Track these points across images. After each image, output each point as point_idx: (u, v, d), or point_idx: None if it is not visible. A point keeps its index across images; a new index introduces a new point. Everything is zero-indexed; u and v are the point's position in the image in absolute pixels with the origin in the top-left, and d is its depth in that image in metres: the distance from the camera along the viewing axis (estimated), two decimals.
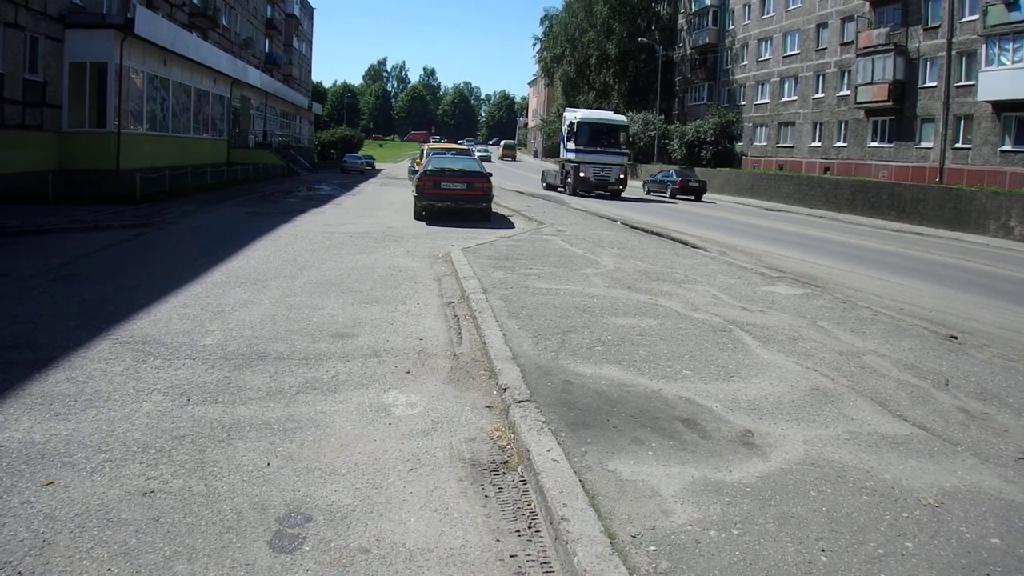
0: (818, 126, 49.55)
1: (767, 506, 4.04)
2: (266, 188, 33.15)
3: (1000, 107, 35.04)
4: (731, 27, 61.33)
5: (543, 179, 46.32)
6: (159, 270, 11.22)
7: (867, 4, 44.06)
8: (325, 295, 9.68)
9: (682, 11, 70.13)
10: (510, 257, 12.93)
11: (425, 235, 17.02)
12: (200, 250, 13.41)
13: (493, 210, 21.95)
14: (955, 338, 8.76)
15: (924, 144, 40.35)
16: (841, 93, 46.94)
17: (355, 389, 5.99)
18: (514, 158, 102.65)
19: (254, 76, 44.49)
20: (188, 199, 24.79)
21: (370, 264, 12.36)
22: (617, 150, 38.89)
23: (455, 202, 19.75)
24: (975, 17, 36.41)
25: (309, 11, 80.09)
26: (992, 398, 6.44)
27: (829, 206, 37.17)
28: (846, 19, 46.52)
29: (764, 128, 55.86)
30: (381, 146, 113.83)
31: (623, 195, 39.56)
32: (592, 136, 38.10)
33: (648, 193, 45.99)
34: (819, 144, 49.45)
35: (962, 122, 37.84)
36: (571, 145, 38.53)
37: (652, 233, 19.94)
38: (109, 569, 3.35)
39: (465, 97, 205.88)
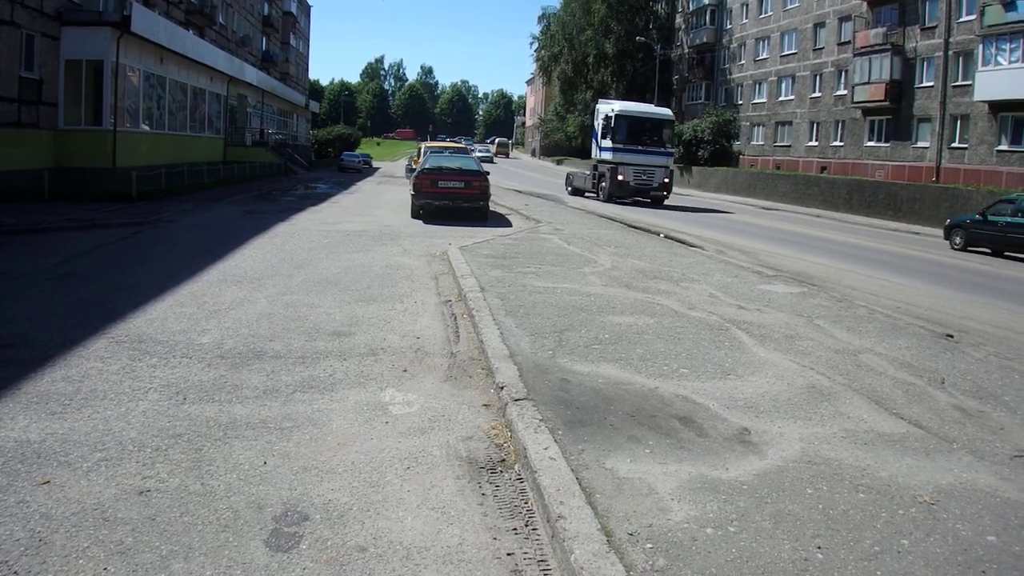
0: (815, 125, 49.54)
1: (764, 504, 4.04)
2: (263, 186, 33.11)
3: (997, 107, 35.06)
4: (729, 26, 61.37)
5: (568, 183, 40.03)
6: (155, 268, 11.20)
7: (864, 4, 44.06)
8: (322, 293, 9.67)
9: (680, 10, 70.16)
10: (507, 256, 12.94)
11: (422, 234, 17.02)
12: (196, 248, 13.39)
13: (490, 209, 21.95)
14: (951, 337, 8.78)
15: (921, 144, 40.37)
16: (838, 93, 46.95)
17: (352, 388, 5.98)
18: (507, 155, 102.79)
19: (251, 74, 44.42)
20: (185, 197, 24.76)
21: (367, 263, 12.36)
22: (662, 149, 33.25)
23: (452, 201, 19.75)
24: (972, 17, 36.43)
25: (306, 9, 79.97)
26: (988, 396, 6.46)
27: (826, 205, 37.20)
28: (843, 19, 46.54)
29: (761, 127, 55.88)
30: (378, 144, 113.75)
31: (666, 203, 34.17)
32: (632, 132, 32.44)
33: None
34: (816, 143, 49.45)
35: (959, 122, 37.86)
36: (606, 143, 33.06)
37: (650, 232, 19.94)
38: (105, 568, 3.34)
39: (463, 96, 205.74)
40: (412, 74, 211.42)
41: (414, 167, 27.69)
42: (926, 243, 24.82)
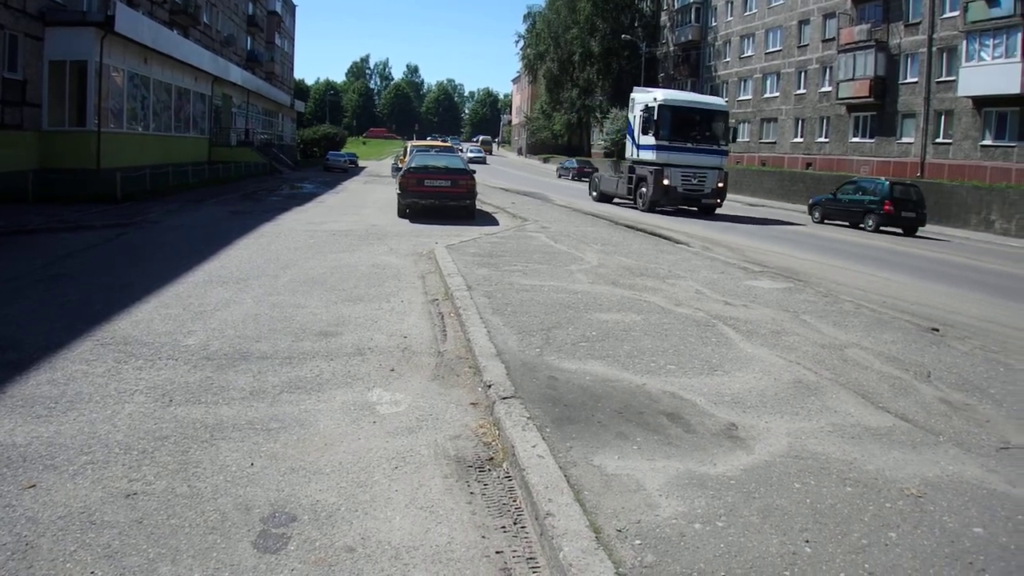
0: (800, 122, 49.75)
1: (751, 498, 4.05)
2: (248, 186, 32.98)
3: (980, 102, 35.33)
4: (714, 24, 61.57)
5: (593, 187, 33.90)
6: (141, 270, 11.14)
7: (849, 1, 44.28)
8: (308, 293, 9.64)
9: (665, 8, 70.38)
10: (494, 254, 12.93)
11: (409, 233, 16.98)
12: (182, 249, 13.33)
13: (477, 207, 21.94)
14: (937, 331, 8.83)
15: (905, 139, 40.64)
16: (823, 89, 47.16)
17: (339, 388, 5.97)
18: (490, 152, 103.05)
19: (236, 74, 44.25)
20: (170, 198, 24.64)
21: (354, 262, 12.33)
22: (714, 146, 27.37)
23: (439, 200, 19.72)
24: (956, 13, 36.69)
25: (291, 8, 79.71)
26: (974, 389, 6.50)
27: None
28: (828, 16, 46.74)
29: (747, 124, 56.06)
30: (364, 144, 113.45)
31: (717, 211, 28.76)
32: (679, 126, 26.76)
33: (559, 177, 58.78)
34: (801, 140, 49.66)
35: (943, 117, 38.13)
36: (647, 139, 27.17)
37: (636, 229, 19.98)
38: (92, 572, 3.32)
39: (449, 94, 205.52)
40: (398, 73, 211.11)
41: (400, 166, 27.66)
42: (911, 238, 24.94)
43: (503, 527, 3.91)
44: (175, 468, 4.40)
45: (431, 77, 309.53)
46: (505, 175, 56.94)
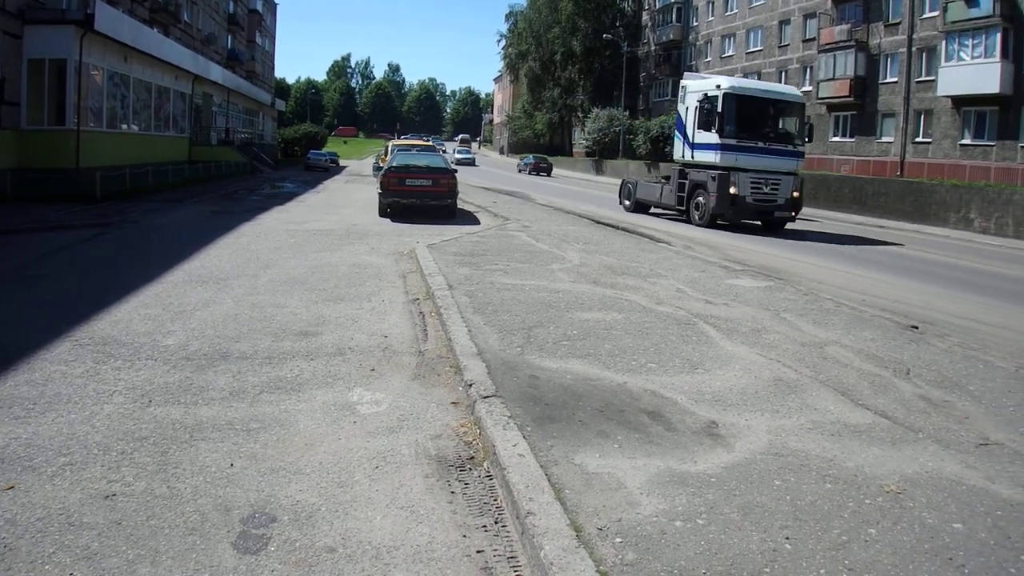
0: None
1: (732, 496, 4.07)
2: (229, 186, 32.83)
3: (960, 102, 35.66)
4: (695, 24, 61.82)
5: (626, 194, 28.07)
6: (120, 270, 11.07)
7: (829, 1, 44.63)
8: (289, 293, 9.60)
9: (646, 8, 70.62)
10: (475, 253, 12.92)
11: (390, 232, 16.94)
12: (162, 249, 13.26)
13: (458, 206, 21.92)
14: (916, 328, 8.87)
15: (885, 138, 40.97)
16: (804, 89, 47.34)
17: (319, 388, 5.94)
18: (469, 148, 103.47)
19: (216, 72, 44.01)
20: (150, 197, 24.50)
21: (334, 262, 12.28)
22: (790, 146, 22.43)
23: (420, 199, 19.69)
24: (935, 13, 37.00)
25: (272, 6, 79.35)
26: (953, 386, 6.53)
27: None
28: (808, 16, 47.03)
29: None
30: (345, 143, 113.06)
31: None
32: (749, 120, 21.74)
33: (519, 172, 61.08)
34: None
35: (922, 117, 38.48)
36: (706, 137, 21.87)
37: (618, 228, 20.00)
38: (72, 574, 3.29)
39: (430, 93, 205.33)
40: (379, 72, 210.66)
41: (381, 165, 27.58)
42: (891, 236, 25.07)
43: (484, 526, 3.90)
44: (154, 469, 4.37)
45: (413, 76, 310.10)
46: (487, 174, 56.95)
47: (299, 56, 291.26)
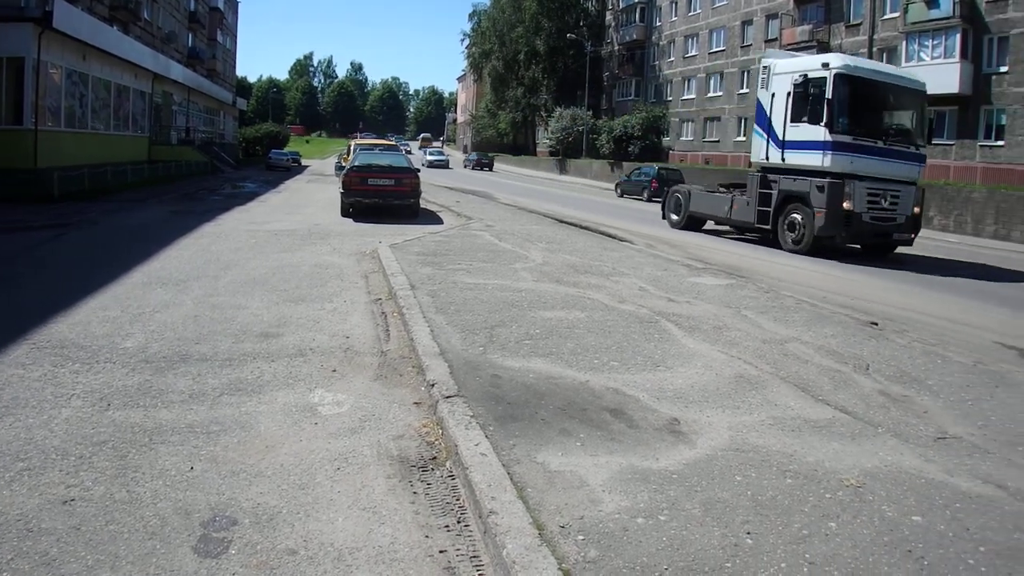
0: (743, 121, 50.45)
1: (693, 492, 4.09)
2: (189, 186, 32.48)
3: None
4: (658, 24, 62.20)
5: (673, 207, 22.68)
6: (78, 271, 10.89)
7: (791, 2, 45.11)
8: (250, 294, 9.50)
9: (610, 8, 70.95)
10: (438, 253, 12.88)
11: (352, 232, 16.84)
12: (121, 250, 13.06)
13: (422, 206, 21.85)
14: (876, 324, 9.00)
15: None
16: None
17: (280, 389, 5.89)
18: (430, 146, 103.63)
19: (177, 71, 43.49)
20: (109, 198, 24.16)
21: (296, 262, 12.18)
22: (912, 147, 17.32)
23: (382, 198, 19.60)
24: (896, 15, 37.58)
25: (234, 4, 78.57)
26: (912, 381, 6.63)
27: None
28: (771, 16, 47.52)
29: (691, 123, 56.77)
30: (307, 142, 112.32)
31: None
32: (867, 113, 16.77)
33: (464, 167, 62.11)
34: (744, 138, 50.26)
35: None
36: (806, 132, 16.75)
37: (581, 227, 20.06)
38: None
39: (393, 92, 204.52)
40: (342, 71, 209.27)
41: (344, 165, 27.41)
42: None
43: (447, 526, 3.89)
44: (113, 473, 4.30)
45: (376, 75, 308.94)
46: (450, 174, 56.89)
47: (261, 54, 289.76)
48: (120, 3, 38.30)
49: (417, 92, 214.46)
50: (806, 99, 16.56)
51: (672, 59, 59.73)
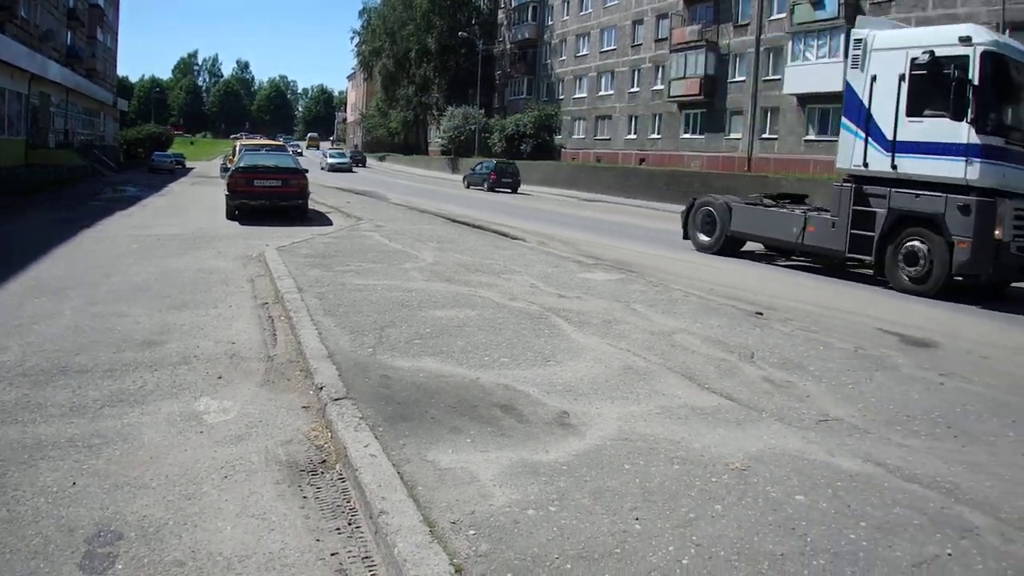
0: (634, 119, 51.48)
1: (583, 482, 4.16)
2: (69, 190, 31.20)
3: (804, 99, 37.63)
4: (550, 23, 62.79)
5: (702, 224, 17.48)
6: None
7: (681, 2, 46.12)
8: (131, 302, 9.18)
9: (502, 6, 71.25)
10: (327, 255, 12.71)
11: (238, 235, 16.45)
12: None
13: (310, 207, 21.50)
14: (761, 314, 9.32)
15: (734, 135, 42.80)
16: (656, 87, 48.95)
17: (164, 399, 5.72)
18: (317, 147, 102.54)
19: (55, 71, 41.60)
20: None
21: (180, 267, 11.83)
22: None
23: (269, 200, 19.22)
24: (783, 15, 38.93)
25: (114, 1, 75.75)
26: (795, 367, 6.91)
27: (645, 195, 38.57)
28: (661, 16, 48.48)
29: (582, 121, 57.48)
30: (192, 143, 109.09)
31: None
32: (1017, 106, 12.94)
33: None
34: (635, 136, 51.37)
35: (769, 114, 40.40)
36: (935, 130, 12.45)
37: (473, 226, 20.06)
38: None
39: (281, 91, 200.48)
40: (228, 70, 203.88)
41: (229, 166, 26.77)
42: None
43: (338, 529, 3.86)
44: None
45: (263, 74, 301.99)
46: (340, 175, 56.16)
47: (143, 53, 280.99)
48: None
49: (306, 91, 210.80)
50: (935, 85, 12.33)
51: (564, 58, 60.38)
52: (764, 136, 40.69)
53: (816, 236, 14.35)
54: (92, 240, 15.14)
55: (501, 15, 71.96)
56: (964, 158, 12.06)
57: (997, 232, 11.93)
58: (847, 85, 13.87)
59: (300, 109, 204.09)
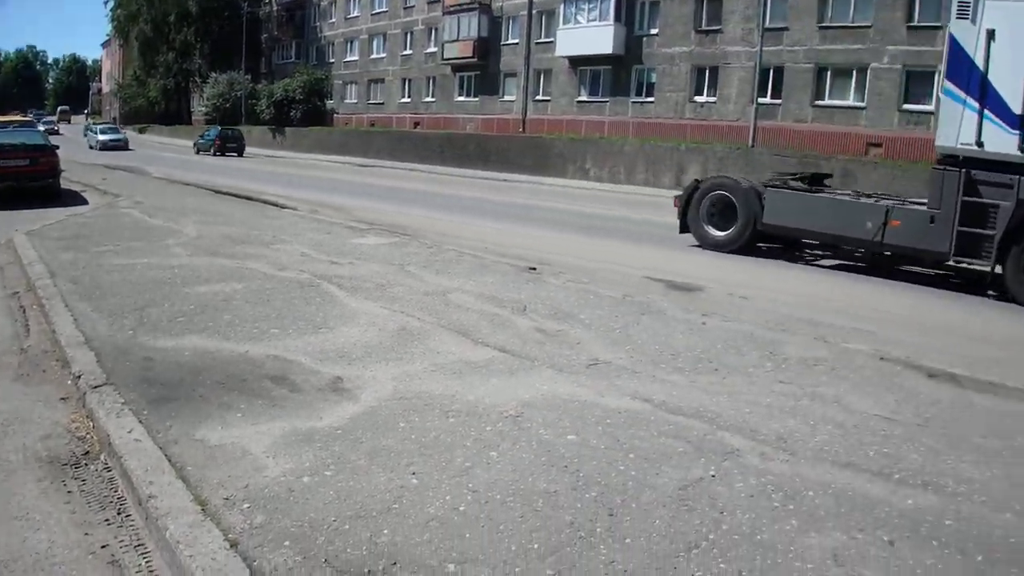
0: (407, 82, 51.17)
1: (358, 444, 4.22)
2: None
3: (576, 62, 38.74)
4: None
5: (707, 213, 13.22)
6: None
7: None
8: None
9: None
10: (81, 236, 11.82)
11: None
12: None
13: (63, 186, 19.93)
14: (534, 269, 9.66)
15: (508, 97, 43.47)
16: (429, 50, 48.81)
17: None
18: (68, 121, 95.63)
19: None
20: None
21: None
22: None
23: (16, 181, 17.62)
24: None
25: None
26: (566, 317, 7.25)
27: (420, 159, 38.73)
28: None
29: (354, 85, 56.57)
30: None
31: None
32: None
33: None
34: (409, 100, 51.14)
35: (542, 76, 41.23)
36: None
37: (241, 197, 19.31)
38: None
39: (30, 63, 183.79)
40: None
41: None
42: (513, 189, 26.79)
43: (107, 520, 3.74)
44: None
45: (8, 45, 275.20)
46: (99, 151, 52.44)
47: None
48: None
49: (57, 61, 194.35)
50: None
51: (334, 20, 58.95)
52: (538, 98, 41.56)
53: (903, 234, 11.07)
54: None
55: None
56: None
57: None
58: (951, 39, 10.60)
59: (51, 81, 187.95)
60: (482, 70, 44.74)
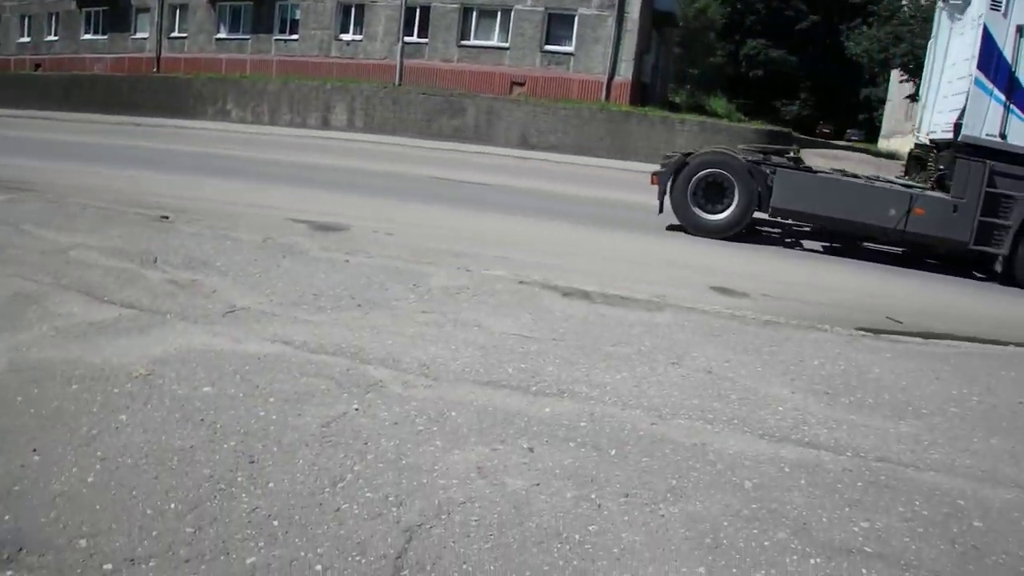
0: (27, 19, 45.71)
1: None
2: None
3: None
4: None
5: (702, 194, 11.76)
6: None
7: None
8: None
9: None
10: None
11: None
12: None
13: None
14: (167, 218, 9.19)
15: (140, 35, 40.35)
16: None
17: None
18: None
19: None
20: None
21: None
22: None
23: None
24: None
25: None
26: (201, 265, 6.99)
27: (44, 105, 35.00)
28: None
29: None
30: None
31: None
32: None
33: None
34: (29, 39, 45.79)
35: (178, 11, 38.57)
36: None
37: None
38: None
39: None
40: None
41: None
42: (148, 134, 25.08)
43: None
44: None
45: None
46: None
47: None
48: None
49: None
50: None
51: None
52: (173, 35, 38.95)
53: (926, 222, 10.91)
54: None
55: None
56: None
57: None
58: (985, 31, 10.55)
59: None
60: (112, 4, 40.92)
